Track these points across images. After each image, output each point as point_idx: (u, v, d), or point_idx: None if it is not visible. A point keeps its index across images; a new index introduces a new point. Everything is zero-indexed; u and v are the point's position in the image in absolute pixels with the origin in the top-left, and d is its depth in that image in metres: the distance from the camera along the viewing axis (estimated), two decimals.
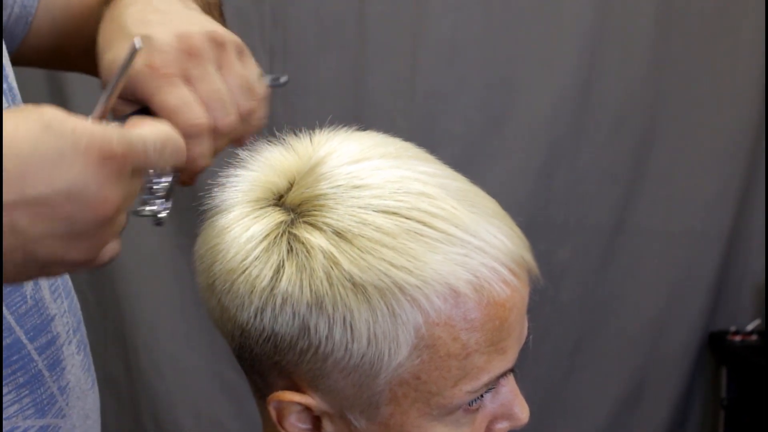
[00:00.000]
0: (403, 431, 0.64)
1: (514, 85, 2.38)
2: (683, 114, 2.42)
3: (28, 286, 0.76)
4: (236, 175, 0.68)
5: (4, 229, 0.50)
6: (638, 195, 2.44)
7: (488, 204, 0.65)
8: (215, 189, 0.69)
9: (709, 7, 2.38)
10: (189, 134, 0.66)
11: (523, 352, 0.69)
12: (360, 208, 0.62)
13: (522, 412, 0.69)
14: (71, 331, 0.83)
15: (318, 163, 0.66)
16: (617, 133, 2.42)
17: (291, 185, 0.66)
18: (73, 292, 0.87)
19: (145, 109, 0.68)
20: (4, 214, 0.50)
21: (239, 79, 0.72)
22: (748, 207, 2.45)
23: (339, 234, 0.61)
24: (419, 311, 0.60)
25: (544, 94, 2.38)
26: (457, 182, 0.66)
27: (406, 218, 0.61)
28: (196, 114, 0.67)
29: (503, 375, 0.65)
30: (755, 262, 2.47)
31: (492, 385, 0.65)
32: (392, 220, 0.61)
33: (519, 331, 0.66)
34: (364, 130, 0.71)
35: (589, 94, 2.39)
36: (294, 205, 0.64)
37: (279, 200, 0.66)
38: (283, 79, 0.81)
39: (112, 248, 0.60)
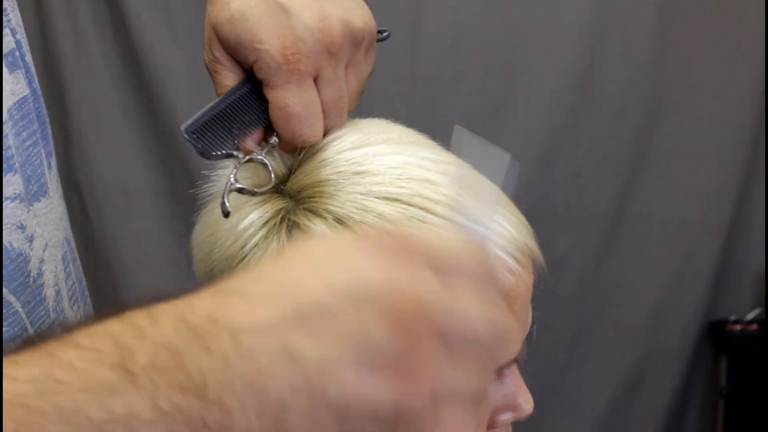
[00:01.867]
0: None
1: (514, 72, 2.37)
2: (684, 103, 2.40)
3: (51, 298, 0.71)
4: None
5: (278, 360, 0.38)
6: (638, 184, 2.43)
7: (492, 191, 0.64)
8: (213, 176, 0.68)
9: None
10: (293, 143, 0.63)
11: (526, 341, 0.68)
12: (361, 194, 0.60)
13: (526, 403, 0.68)
14: None
15: (319, 149, 0.64)
16: (618, 123, 2.40)
17: (290, 172, 0.65)
18: (87, 292, 0.84)
19: (249, 82, 0.64)
20: (275, 338, 0.39)
21: (359, 83, 0.68)
22: (749, 196, 2.44)
23: (340, 221, 0.59)
24: None
25: (545, 82, 2.37)
26: (461, 168, 0.64)
27: (409, 205, 0.60)
28: (313, 131, 0.63)
29: (507, 365, 0.64)
30: (755, 251, 2.46)
31: (495, 376, 0.64)
32: (394, 206, 0.59)
33: (523, 320, 0.65)
34: (364, 117, 0.70)
35: (589, 82, 2.38)
36: (294, 191, 0.63)
37: (278, 187, 0.64)
38: (385, 34, 0.73)
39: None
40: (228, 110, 0.63)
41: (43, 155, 0.73)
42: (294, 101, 0.62)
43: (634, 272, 2.45)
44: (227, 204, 0.60)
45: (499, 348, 0.43)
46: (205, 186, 0.68)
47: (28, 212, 0.68)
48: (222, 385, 0.37)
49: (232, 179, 0.61)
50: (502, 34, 2.35)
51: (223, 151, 0.63)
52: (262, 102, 0.64)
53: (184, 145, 2.47)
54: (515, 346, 0.43)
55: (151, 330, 0.38)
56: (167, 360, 0.37)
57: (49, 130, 0.77)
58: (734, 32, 2.38)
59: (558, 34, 2.36)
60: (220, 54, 0.64)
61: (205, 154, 0.62)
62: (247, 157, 0.63)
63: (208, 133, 0.62)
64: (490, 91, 2.36)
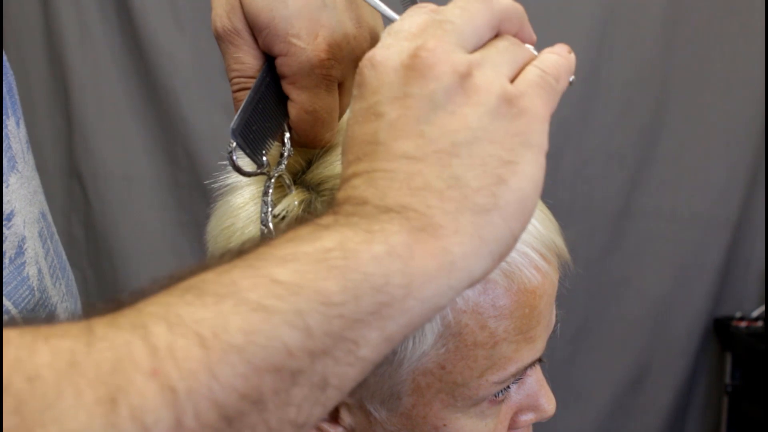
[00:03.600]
0: (425, 423, 0.61)
1: None
2: (691, 97, 2.39)
3: (34, 277, 0.69)
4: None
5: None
6: (645, 178, 2.42)
7: None
8: (228, 167, 0.66)
9: None
10: (311, 145, 0.63)
11: (549, 340, 0.67)
12: None
13: (548, 403, 0.67)
14: (70, 317, 0.77)
15: (339, 143, 0.63)
16: (625, 116, 2.39)
17: (309, 164, 0.63)
18: (68, 267, 0.81)
19: (270, 73, 0.61)
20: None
21: None
22: (757, 192, 2.43)
23: None
24: None
25: None
26: None
27: None
28: (333, 135, 0.65)
29: (531, 365, 0.63)
30: (762, 248, 2.45)
31: (519, 376, 0.63)
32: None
33: (548, 319, 0.64)
34: None
35: (597, 75, 2.36)
36: (314, 183, 0.61)
37: (296, 179, 0.62)
38: None
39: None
40: (260, 107, 0.60)
41: (11, 125, 0.70)
42: (322, 106, 0.60)
43: (639, 266, 2.44)
44: (272, 229, 0.58)
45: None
46: (219, 178, 0.66)
47: (6, 188, 0.65)
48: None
49: (270, 201, 0.59)
50: None
51: (260, 167, 0.60)
52: (282, 96, 0.61)
53: (187, 133, 2.45)
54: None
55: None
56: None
57: (17, 97, 0.73)
58: (740, 28, 2.37)
59: (565, 28, 2.35)
60: (242, 26, 0.60)
61: (252, 158, 0.60)
62: (276, 175, 0.61)
63: (251, 136, 0.60)
64: None
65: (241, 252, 0.41)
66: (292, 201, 0.60)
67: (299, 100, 0.60)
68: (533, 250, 0.60)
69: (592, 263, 2.42)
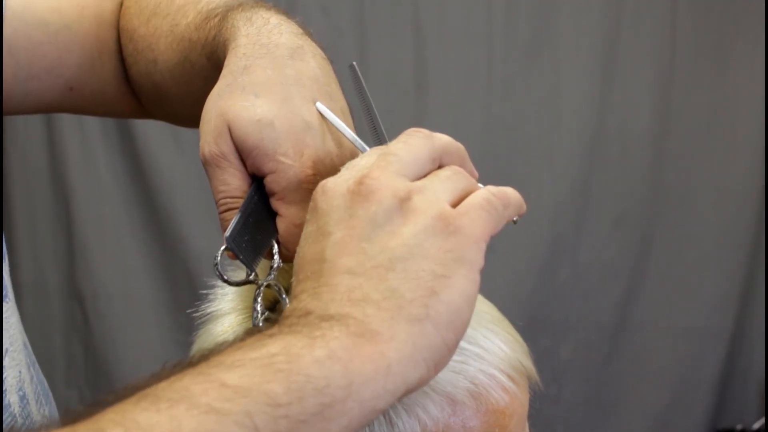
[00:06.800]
0: None
1: (514, 181, 2.37)
2: (683, 210, 2.43)
3: (15, 404, 0.70)
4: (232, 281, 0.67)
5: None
6: (640, 291, 2.43)
7: (486, 309, 0.65)
8: (211, 294, 0.68)
9: (708, 104, 2.41)
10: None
11: None
12: None
13: None
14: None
15: None
16: (618, 230, 2.42)
17: (287, 291, 0.65)
18: (50, 394, 0.83)
19: (258, 191, 0.64)
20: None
21: None
22: (752, 303, 2.44)
23: None
24: (416, 420, 0.58)
25: (545, 191, 2.39)
26: None
27: None
28: None
29: None
30: (759, 358, 2.44)
31: None
32: None
33: None
34: None
35: (589, 191, 2.41)
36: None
37: (275, 307, 0.65)
38: None
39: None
40: (250, 221, 0.63)
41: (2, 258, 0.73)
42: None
43: (637, 379, 2.44)
44: None
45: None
46: (203, 306, 0.68)
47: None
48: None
49: (259, 309, 0.61)
50: (502, 145, 2.38)
51: (249, 277, 0.62)
52: (270, 213, 0.64)
53: (186, 255, 2.47)
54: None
55: None
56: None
57: (4, 238, 0.75)
58: (732, 139, 2.43)
59: (559, 143, 2.40)
60: (229, 151, 0.63)
61: (245, 264, 0.62)
62: (264, 284, 0.62)
63: (243, 245, 0.62)
64: None
65: (190, 363, 0.44)
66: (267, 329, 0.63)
67: (288, 214, 0.63)
68: (500, 372, 0.61)
69: (590, 377, 2.41)
